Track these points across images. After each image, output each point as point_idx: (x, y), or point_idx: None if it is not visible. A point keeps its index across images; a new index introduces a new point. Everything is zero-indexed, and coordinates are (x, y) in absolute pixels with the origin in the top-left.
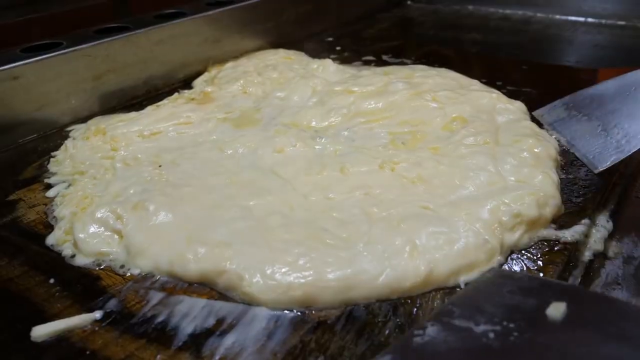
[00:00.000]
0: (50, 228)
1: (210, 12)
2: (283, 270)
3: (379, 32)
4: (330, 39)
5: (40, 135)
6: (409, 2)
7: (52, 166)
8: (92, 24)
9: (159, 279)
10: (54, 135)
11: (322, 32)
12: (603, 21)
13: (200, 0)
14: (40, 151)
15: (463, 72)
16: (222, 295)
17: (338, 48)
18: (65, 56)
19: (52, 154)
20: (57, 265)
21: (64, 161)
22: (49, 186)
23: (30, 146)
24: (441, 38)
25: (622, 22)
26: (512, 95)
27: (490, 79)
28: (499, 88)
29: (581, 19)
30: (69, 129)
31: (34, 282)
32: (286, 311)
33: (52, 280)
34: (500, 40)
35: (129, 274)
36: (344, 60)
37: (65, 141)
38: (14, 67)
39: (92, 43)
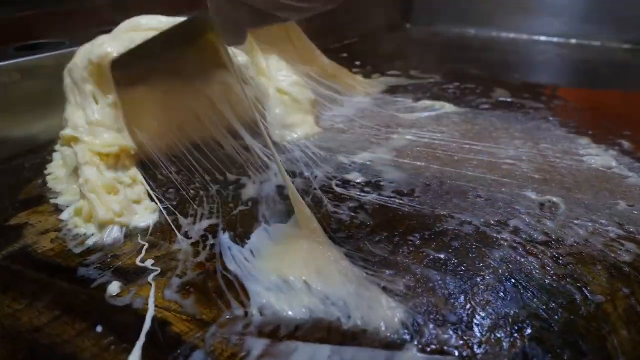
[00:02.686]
0: (75, 258)
1: None
2: None
3: (391, 50)
4: (344, 54)
5: (34, 147)
6: (408, 25)
7: (53, 183)
8: (90, 23)
9: (251, 319)
10: (50, 146)
11: (329, 50)
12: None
13: None
14: (36, 166)
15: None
16: (345, 336)
17: (357, 63)
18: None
19: (46, 168)
20: (99, 306)
21: (64, 176)
22: (56, 207)
23: (24, 160)
24: (457, 56)
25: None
26: None
27: None
28: None
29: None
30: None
31: (74, 332)
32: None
33: (99, 328)
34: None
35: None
36: (366, 74)
37: (53, 153)
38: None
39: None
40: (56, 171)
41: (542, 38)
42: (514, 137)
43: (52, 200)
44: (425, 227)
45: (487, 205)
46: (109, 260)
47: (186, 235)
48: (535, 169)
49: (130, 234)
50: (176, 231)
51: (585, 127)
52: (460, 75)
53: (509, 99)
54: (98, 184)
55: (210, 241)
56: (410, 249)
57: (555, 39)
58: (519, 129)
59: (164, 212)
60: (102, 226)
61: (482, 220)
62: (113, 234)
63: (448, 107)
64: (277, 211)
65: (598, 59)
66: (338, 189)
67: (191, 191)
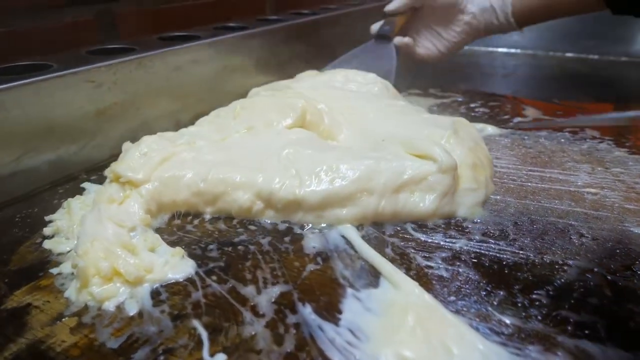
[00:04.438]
0: (113, 357)
1: (229, 36)
2: None
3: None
4: None
5: (22, 195)
6: None
7: (52, 244)
8: (72, 45)
9: None
10: (42, 194)
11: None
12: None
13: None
14: (27, 219)
15: None
16: None
17: None
18: (61, 80)
19: (48, 219)
20: None
21: (69, 230)
22: (64, 277)
23: (10, 212)
24: (467, 73)
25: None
26: None
27: None
28: None
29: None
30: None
31: None
32: None
33: None
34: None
35: None
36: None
37: (66, 201)
38: None
39: (96, 65)
40: (59, 222)
41: (540, 52)
42: (577, 161)
43: (54, 270)
44: (545, 281)
45: (598, 247)
46: (162, 358)
47: (255, 311)
48: (623, 198)
49: (178, 314)
50: (239, 307)
51: None
52: (481, 93)
53: (545, 117)
54: (117, 242)
55: (291, 318)
56: (543, 311)
57: (530, 52)
58: (576, 151)
59: (216, 282)
60: (132, 294)
61: (603, 266)
62: (154, 313)
63: (491, 130)
64: (358, 270)
65: (621, 74)
66: (417, 234)
67: (239, 247)
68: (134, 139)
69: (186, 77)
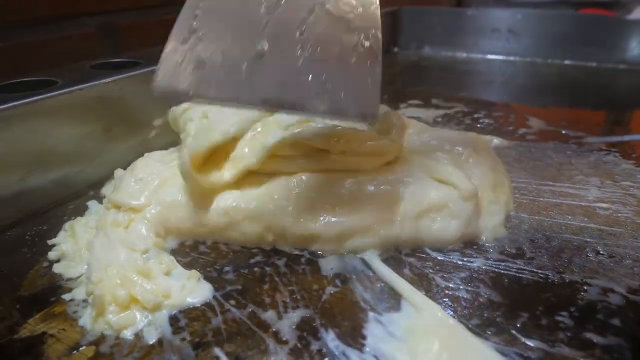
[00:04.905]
0: None
1: None
2: None
3: (394, 76)
4: None
5: (28, 214)
6: (395, 49)
7: (62, 267)
8: (74, 59)
9: None
10: (49, 212)
11: None
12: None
13: None
14: (36, 238)
15: None
16: None
17: None
18: (68, 97)
19: (51, 243)
20: None
21: (76, 255)
22: (77, 303)
23: (18, 232)
24: (464, 81)
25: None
26: None
27: None
28: None
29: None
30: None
31: None
32: None
33: None
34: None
35: None
36: (387, 104)
37: (68, 224)
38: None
39: (103, 80)
40: (63, 245)
41: (529, 59)
42: (586, 174)
43: (66, 296)
44: (567, 301)
45: (616, 265)
46: None
47: (277, 338)
48: (635, 213)
49: (199, 342)
50: (261, 333)
51: None
52: (482, 101)
53: (549, 128)
54: (132, 267)
55: (314, 345)
56: (568, 334)
57: (511, 58)
58: (584, 164)
59: (235, 307)
60: (150, 321)
61: (623, 286)
62: (174, 342)
63: (498, 141)
64: (378, 293)
65: (616, 81)
66: (434, 254)
67: (255, 269)
68: (141, 154)
69: None
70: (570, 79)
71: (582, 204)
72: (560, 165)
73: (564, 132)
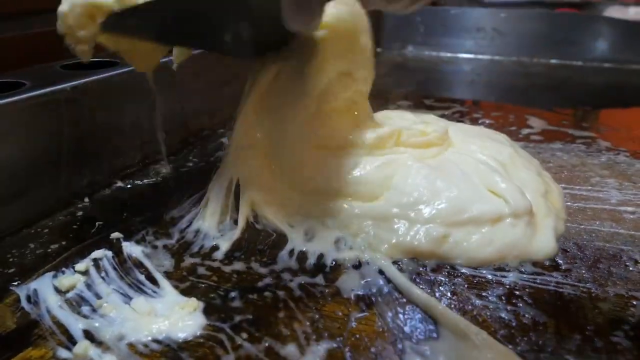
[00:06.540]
0: None
1: None
2: None
3: (382, 77)
4: None
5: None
6: (379, 50)
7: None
8: (43, 59)
9: None
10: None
11: None
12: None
13: None
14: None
15: None
16: None
17: None
18: (37, 101)
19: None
20: None
21: None
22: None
23: None
24: (452, 80)
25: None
26: None
27: None
28: None
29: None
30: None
31: None
32: None
33: None
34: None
35: None
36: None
37: None
38: None
39: (76, 81)
40: None
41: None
42: (602, 176)
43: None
44: (617, 319)
45: None
46: None
47: None
48: None
49: None
50: None
51: None
52: (476, 102)
53: (552, 127)
54: None
55: None
56: (629, 358)
57: (497, 58)
58: (596, 165)
59: (248, 342)
60: None
61: None
62: None
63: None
64: (410, 317)
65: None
66: (462, 269)
67: (265, 293)
68: (119, 166)
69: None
70: (560, 79)
71: (607, 207)
72: (572, 167)
73: (568, 131)
